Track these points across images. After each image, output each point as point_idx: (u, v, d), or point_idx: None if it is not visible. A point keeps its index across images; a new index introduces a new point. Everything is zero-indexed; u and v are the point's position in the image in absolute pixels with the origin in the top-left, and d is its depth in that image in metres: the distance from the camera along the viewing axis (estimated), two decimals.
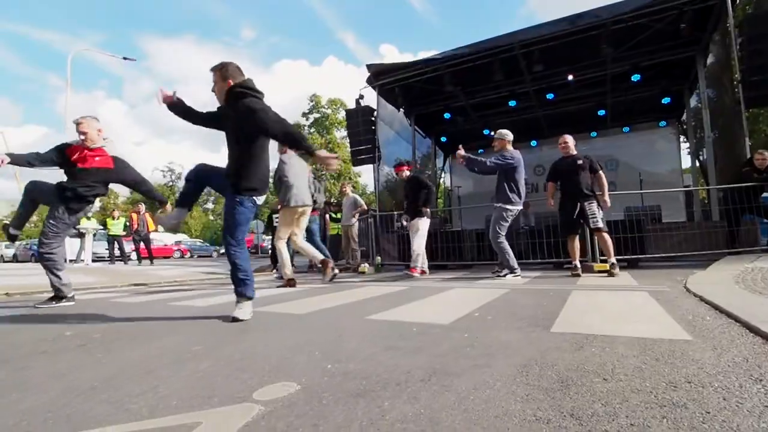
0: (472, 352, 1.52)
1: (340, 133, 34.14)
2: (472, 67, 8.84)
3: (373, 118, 9.89)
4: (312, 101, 34.04)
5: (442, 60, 8.87)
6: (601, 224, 4.68)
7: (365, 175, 35.62)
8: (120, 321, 2.56)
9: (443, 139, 12.68)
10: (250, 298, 2.46)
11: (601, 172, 4.89)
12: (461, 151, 4.97)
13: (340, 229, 9.02)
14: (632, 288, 3.37)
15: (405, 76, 9.41)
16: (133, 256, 11.67)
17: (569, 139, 5.12)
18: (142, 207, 10.57)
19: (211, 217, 51.50)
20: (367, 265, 6.78)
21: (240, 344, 1.79)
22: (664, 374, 1.20)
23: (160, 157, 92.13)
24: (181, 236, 27.43)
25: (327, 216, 8.73)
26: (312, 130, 34.30)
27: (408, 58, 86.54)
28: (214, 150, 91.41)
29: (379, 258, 6.98)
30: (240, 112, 2.35)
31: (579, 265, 4.86)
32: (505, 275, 4.78)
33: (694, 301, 2.51)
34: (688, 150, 10.79)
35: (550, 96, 9.85)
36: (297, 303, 3.16)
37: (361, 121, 9.92)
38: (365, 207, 8.16)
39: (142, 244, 10.65)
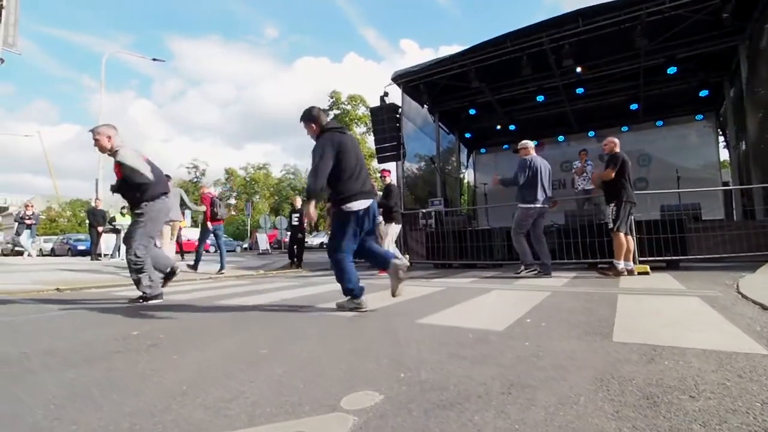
0: (540, 362, 1.52)
1: (360, 129, 34.22)
2: (499, 62, 8.69)
3: (397, 116, 9.86)
4: (332, 98, 34.21)
5: (468, 55, 8.73)
6: (611, 225, 4.81)
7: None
8: (178, 320, 2.67)
9: (467, 135, 12.55)
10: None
11: (607, 169, 4.84)
12: (496, 177, 5.70)
13: None
14: (680, 293, 3.28)
15: (430, 73, 9.34)
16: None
17: (608, 140, 5.10)
18: None
19: (234, 212, 52.66)
20: None
21: (302, 347, 1.84)
22: (754, 393, 1.17)
23: (186, 153, 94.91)
24: None
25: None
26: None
27: (428, 53, 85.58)
28: (237, 147, 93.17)
29: (407, 256, 6.99)
30: None
31: (627, 266, 4.75)
32: (520, 272, 5.15)
33: (756, 310, 2.42)
34: (725, 144, 10.34)
35: (579, 91, 9.61)
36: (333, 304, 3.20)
37: (386, 118, 9.90)
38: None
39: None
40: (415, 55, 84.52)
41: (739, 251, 5.44)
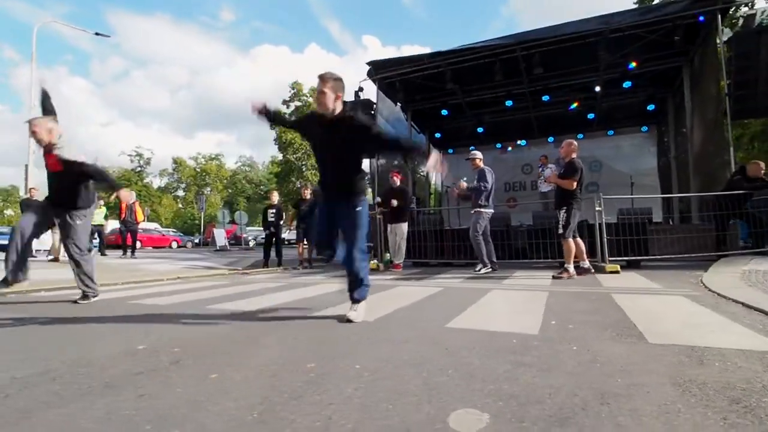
0: (605, 368, 1.55)
1: None
2: (473, 65, 8.92)
3: (372, 112, 9.76)
4: (293, 89, 33.12)
5: (445, 56, 8.86)
6: (561, 231, 4.93)
7: None
8: (180, 330, 2.41)
9: (437, 135, 12.74)
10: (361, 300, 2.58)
11: (568, 179, 4.92)
12: (461, 190, 6.21)
13: None
14: (661, 291, 3.55)
15: (406, 71, 9.34)
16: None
17: (566, 143, 5.19)
18: (132, 196, 9.94)
19: (181, 205, 49.45)
20: (376, 261, 6.76)
21: (351, 359, 1.73)
22: None
23: (128, 139, 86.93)
24: (152, 225, 26.09)
25: None
26: (293, 118, 33.48)
27: (390, 51, 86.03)
28: (188, 136, 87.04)
29: (388, 255, 6.96)
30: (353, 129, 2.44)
31: (583, 265, 5.01)
32: (479, 269, 5.67)
33: (741, 308, 2.67)
34: (658, 154, 11.45)
35: (545, 98, 10.12)
36: (344, 307, 3.08)
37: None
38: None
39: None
40: (377, 52, 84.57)
41: (686, 251, 6.04)
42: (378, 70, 9.44)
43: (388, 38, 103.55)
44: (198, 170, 48.81)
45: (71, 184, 3.41)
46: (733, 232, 6.22)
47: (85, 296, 3.55)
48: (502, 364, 1.61)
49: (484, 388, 1.37)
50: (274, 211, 7.99)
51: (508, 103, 10.34)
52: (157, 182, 48.06)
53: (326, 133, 2.46)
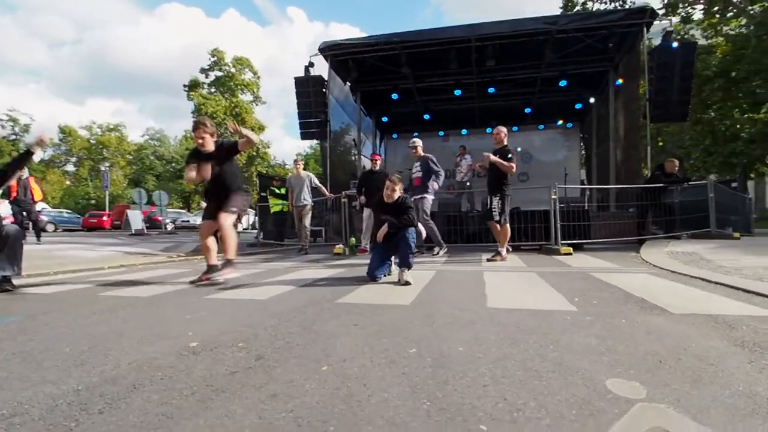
0: (669, 337, 1.75)
1: (246, 97, 31.10)
2: (429, 51, 9.04)
3: (324, 90, 9.38)
4: (213, 56, 29.89)
5: (402, 42, 8.82)
6: (497, 217, 5.14)
7: (275, 145, 33.52)
8: (216, 323, 2.13)
9: (384, 119, 12.74)
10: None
11: (510, 163, 5.06)
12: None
13: (285, 206, 8.48)
14: (625, 270, 4.06)
15: (360, 50, 9.12)
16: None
17: (500, 129, 5.39)
18: (24, 171, 8.18)
19: (70, 182, 42.37)
20: (342, 245, 6.63)
21: (441, 343, 1.71)
22: None
23: None
24: (40, 205, 21.84)
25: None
26: (213, 89, 30.30)
27: (317, 26, 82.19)
28: (76, 102, 73.90)
29: (353, 239, 6.86)
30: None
31: (501, 251, 5.14)
32: (437, 252, 5.87)
33: (701, 282, 3.18)
34: (580, 148, 13.02)
35: (491, 90, 10.71)
36: (357, 294, 3.02)
37: (312, 91, 9.34)
38: (327, 193, 7.80)
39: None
40: (304, 26, 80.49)
41: (614, 235, 7.03)
42: (331, 47, 9.03)
43: (315, 13, 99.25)
44: (93, 142, 42.03)
45: None
46: (650, 219, 7.40)
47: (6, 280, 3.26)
48: (587, 338, 1.74)
49: (600, 359, 1.48)
50: None
51: (457, 92, 10.73)
52: (39, 154, 40.37)
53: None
